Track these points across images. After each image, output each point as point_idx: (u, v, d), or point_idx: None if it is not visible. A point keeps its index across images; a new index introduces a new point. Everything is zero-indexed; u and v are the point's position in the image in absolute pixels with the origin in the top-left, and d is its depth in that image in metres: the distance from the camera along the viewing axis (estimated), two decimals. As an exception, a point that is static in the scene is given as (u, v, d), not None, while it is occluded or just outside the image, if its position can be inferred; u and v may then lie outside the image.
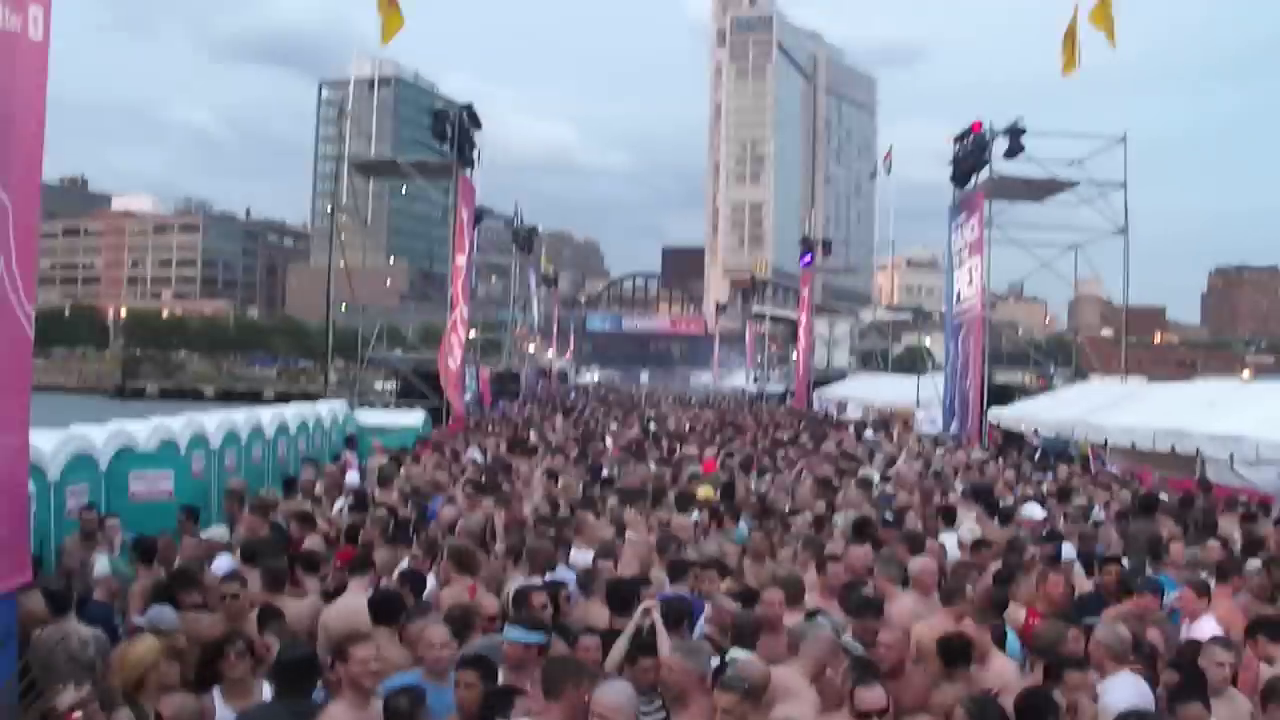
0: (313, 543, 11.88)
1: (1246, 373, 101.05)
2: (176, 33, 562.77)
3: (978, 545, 12.37)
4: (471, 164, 39.27)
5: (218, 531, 12.79)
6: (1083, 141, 38.21)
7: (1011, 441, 31.59)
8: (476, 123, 39.12)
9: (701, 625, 8.94)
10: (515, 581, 10.16)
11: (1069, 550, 12.66)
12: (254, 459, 22.18)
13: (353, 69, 61.39)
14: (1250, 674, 8.13)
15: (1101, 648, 7.86)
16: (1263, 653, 8.24)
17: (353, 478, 18.77)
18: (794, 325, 75.02)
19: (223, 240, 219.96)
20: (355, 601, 8.96)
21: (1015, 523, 14.86)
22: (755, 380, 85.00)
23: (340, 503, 15.87)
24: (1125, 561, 11.98)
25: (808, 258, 67.19)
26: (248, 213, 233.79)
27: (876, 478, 20.30)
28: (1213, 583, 10.82)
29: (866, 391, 53.52)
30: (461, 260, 38.69)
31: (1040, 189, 39.30)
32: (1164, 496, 17.82)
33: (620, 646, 7.94)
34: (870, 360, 75.10)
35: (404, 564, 10.66)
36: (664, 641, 8.07)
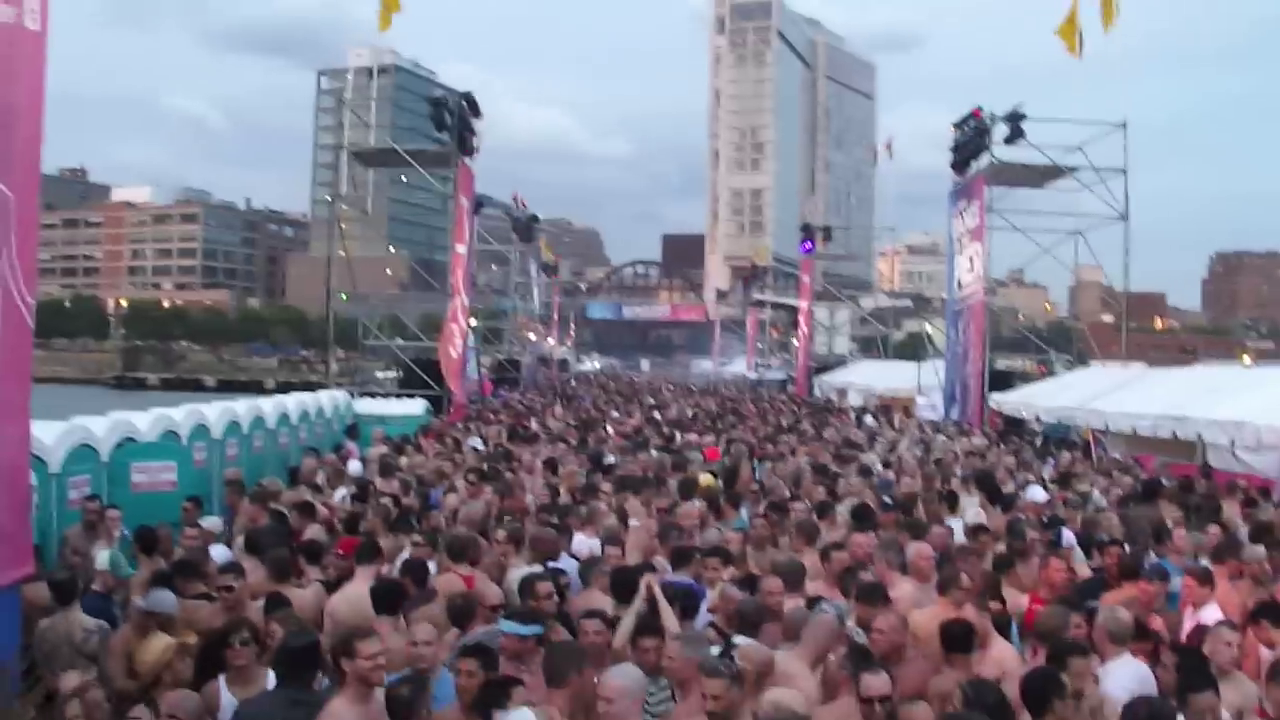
0: (314, 532, 11.90)
1: (1247, 358, 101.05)
2: (174, 24, 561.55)
3: (977, 531, 12.39)
4: (471, 152, 39.21)
5: (211, 523, 12.79)
6: (1083, 127, 38.21)
7: (1013, 427, 31.61)
8: (476, 111, 39.06)
9: (705, 612, 8.96)
10: (517, 570, 10.18)
11: (1069, 536, 12.68)
12: (256, 449, 22.20)
13: (351, 58, 61.30)
14: (1252, 659, 8.15)
15: (1103, 632, 7.86)
16: (1265, 637, 8.25)
17: (354, 467, 18.81)
18: (794, 312, 74.87)
19: (223, 230, 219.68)
20: (363, 590, 8.98)
21: (1017, 508, 14.86)
22: (756, 368, 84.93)
23: (341, 492, 15.90)
24: (1126, 547, 11.99)
25: (808, 244, 67.07)
26: (248, 202, 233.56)
27: (879, 465, 20.30)
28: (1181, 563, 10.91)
29: (867, 378, 53.45)
30: (461, 249, 38.69)
31: (1041, 175, 39.29)
32: (1165, 482, 17.81)
33: (627, 623, 7.97)
34: (871, 347, 75.12)
35: (406, 553, 10.66)
36: (668, 616, 8.10)
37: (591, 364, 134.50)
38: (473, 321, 47.37)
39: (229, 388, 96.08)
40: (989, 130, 37.19)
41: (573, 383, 71.73)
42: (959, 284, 40.18)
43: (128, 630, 8.45)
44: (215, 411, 20.66)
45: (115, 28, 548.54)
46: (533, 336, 71.72)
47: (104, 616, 8.83)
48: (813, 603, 8.59)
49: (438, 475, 17.13)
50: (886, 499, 15.03)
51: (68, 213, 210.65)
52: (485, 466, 17.87)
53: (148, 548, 10.97)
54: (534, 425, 28.10)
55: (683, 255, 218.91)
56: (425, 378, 36.86)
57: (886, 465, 20.41)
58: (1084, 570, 11.06)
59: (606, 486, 15.21)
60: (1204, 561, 10.92)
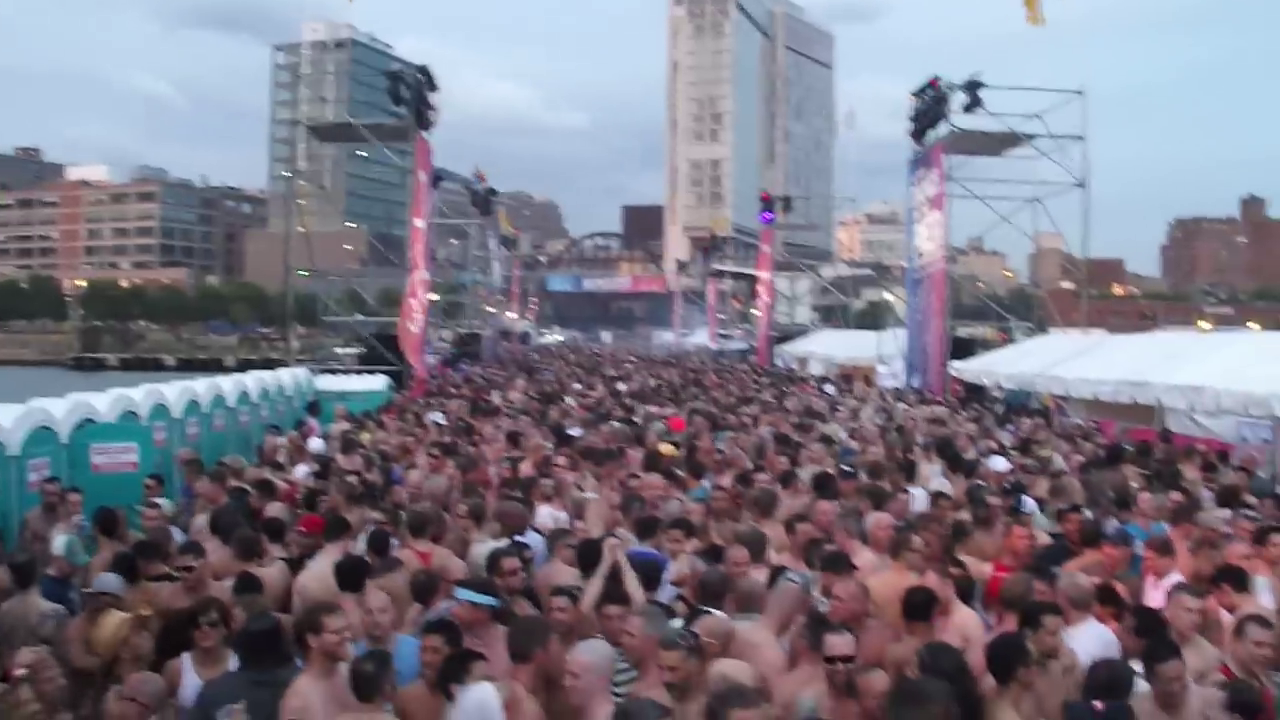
0: (276, 510, 11.83)
1: (1206, 324, 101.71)
2: (128, 1, 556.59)
3: (937, 497, 12.44)
4: (428, 126, 39.01)
5: (164, 504, 12.67)
6: (1041, 96, 38.41)
7: (974, 395, 31.74)
8: (433, 84, 38.83)
9: (667, 584, 8.97)
10: (480, 544, 10.17)
11: (1030, 502, 12.73)
12: (216, 428, 22.11)
13: (306, 33, 60.97)
14: (1212, 621, 8.22)
15: (1064, 597, 7.90)
16: (1226, 602, 8.31)
17: (316, 444, 18.74)
18: (755, 282, 74.95)
19: (180, 208, 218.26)
20: (330, 567, 8.96)
21: (979, 475, 14.92)
22: (717, 338, 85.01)
23: (303, 469, 15.84)
24: (1088, 512, 12.06)
25: (768, 215, 67.14)
26: (205, 180, 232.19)
27: (842, 433, 20.34)
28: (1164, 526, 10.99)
29: (828, 347, 53.54)
30: (420, 223, 38.52)
31: (999, 143, 39.40)
32: (1126, 447, 17.93)
33: (593, 591, 7.98)
34: (832, 316, 75.31)
35: (369, 529, 10.62)
36: (633, 584, 8.11)
37: (553, 337, 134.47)
38: (433, 296, 47.25)
39: (189, 367, 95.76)
40: (947, 99, 37.26)
41: (534, 356, 71.64)
42: (919, 252, 40.31)
43: (84, 616, 8.41)
44: (175, 391, 20.56)
45: (66, 3, 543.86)
46: (493, 310, 71.54)
47: (60, 601, 8.79)
48: (777, 573, 8.60)
49: (400, 451, 17.09)
50: (847, 467, 15.04)
51: (22, 193, 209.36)
52: (447, 440, 17.84)
53: (108, 530, 10.90)
54: (496, 399, 28.04)
55: (643, 227, 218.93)
56: (386, 353, 36.78)
57: (850, 434, 20.45)
58: (1044, 537, 11.10)
59: (561, 460, 15.12)
60: (1165, 526, 11.02)
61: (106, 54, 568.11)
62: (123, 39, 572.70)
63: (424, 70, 38.41)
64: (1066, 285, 59.65)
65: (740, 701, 5.45)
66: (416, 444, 17.75)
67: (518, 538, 10.22)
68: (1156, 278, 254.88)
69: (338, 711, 6.36)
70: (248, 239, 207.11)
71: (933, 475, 15.23)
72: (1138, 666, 6.56)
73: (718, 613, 7.46)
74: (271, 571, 9.44)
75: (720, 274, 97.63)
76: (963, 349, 37.83)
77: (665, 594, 8.72)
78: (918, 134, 40.21)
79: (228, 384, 23.93)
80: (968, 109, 36.71)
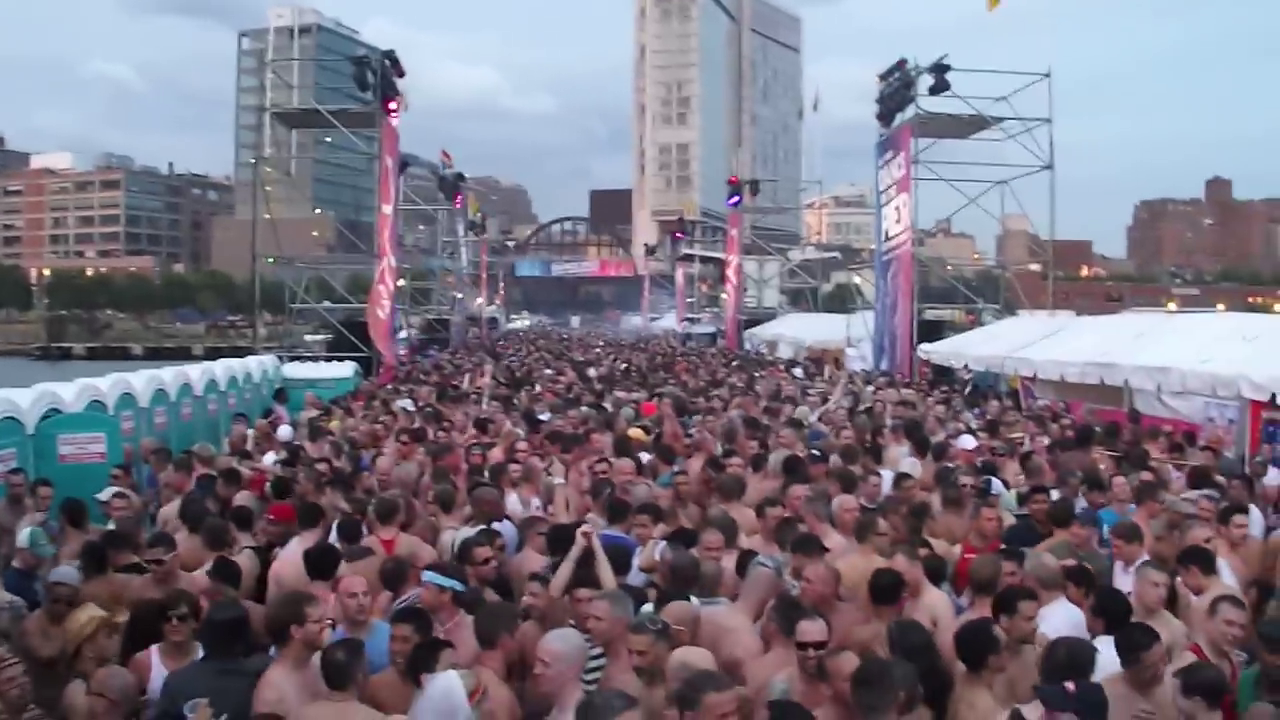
0: (243, 498, 11.78)
1: (1172, 304, 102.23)
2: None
3: (900, 479, 12.47)
4: (395, 111, 38.85)
5: (108, 493, 12.52)
6: (1008, 78, 38.46)
7: (942, 377, 31.83)
8: (399, 69, 38.67)
9: (635, 568, 8.98)
10: (449, 532, 10.16)
11: (998, 484, 12.77)
12: (184, 416, 22.03)
13: (272, 18, 60.64)
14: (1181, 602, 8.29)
15: (1032, 579, 7.95)
16: (1193, 583, 8.36)
17: (284, 431, 18.68)
18: (723, 266, 74.93)
19: (145, 196, 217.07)
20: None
21: (948, 457, 14.95)
22: (686, 322, 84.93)
23: (271, 457, 15.78)
24: (1056, 493, 12.11)
25: (735, 198, 67.16)
26: (170, 167, 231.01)
27: (813, 417, 20.34)
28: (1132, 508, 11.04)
29: (797, 330, 53.51)
30: (388, 209, 38.39)
31: (966, 126, 39.49)
32: (1096, 429, 18.00)
33: (563, 574, 7.99)
34: (800, 299, 75.24)
35: (338, 517, 10.60)
36: (605, 569, 8.12)
37: (521, 322, 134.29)
38: (401, 282, 47.12)
39: (156, 355, 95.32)
40: (914, 82, 37.37)
41: (502, 341, 71.44)
42: (886, 235, 40.40)
43: (44, 608, 8.36)
44: (142, 380, 20.47)
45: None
46: (461, 295, 71.33)
47: (24, 594, 8.73)
48: (747, 557, 8.61)
49: (369, 438, 17.04)
50: (816, 450, 15.05)
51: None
52: (416, 427, 17.79)
53: (75, 520, 10.85)
54: (465, 385, 27.97)
55: (610, 211, 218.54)
56: (354, 340, 36.66)
57: (819, 418, 20.45)
58: (1010, 519, 11.14)
59: (522, 445, 15.04)
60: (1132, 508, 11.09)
61: (69, 40, 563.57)
62: (85, 25, 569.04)
63: (390, 55, 38.24)
64: (1034, 267, 59.81)
65: (713, 685, 5.47)
66: (385, 431, 17.71)
67: (491, 526, 10.21)
68: (1123, 259, 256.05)
69: (309, 700, 6.35)
70: (214, 226, 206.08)
71: (901, 457, 15.28)
72: (1104, 645, 6.58)
73: (693, 599, 7.49)
74: (240, 560, 9.41)
75: (688, 258, 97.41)
76: (931, 331, 37.95)
77: (639, 580, 8.73)
78: (885, 117, 40.31)
79: (195, 372, 23.84)
80: (934, 91, 36.85)
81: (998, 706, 6.29)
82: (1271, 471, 14.38)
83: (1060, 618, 7.57)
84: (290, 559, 9.26)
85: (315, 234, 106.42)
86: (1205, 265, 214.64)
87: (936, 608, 7.91)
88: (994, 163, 40.13)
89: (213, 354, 53.59)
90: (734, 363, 41.67)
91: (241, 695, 6.36)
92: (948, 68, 36.30)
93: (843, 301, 59.51)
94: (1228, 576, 8.86)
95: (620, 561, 8.57)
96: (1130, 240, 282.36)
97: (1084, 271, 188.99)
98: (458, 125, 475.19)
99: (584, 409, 20.43)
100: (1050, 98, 38.42)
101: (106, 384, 18.91)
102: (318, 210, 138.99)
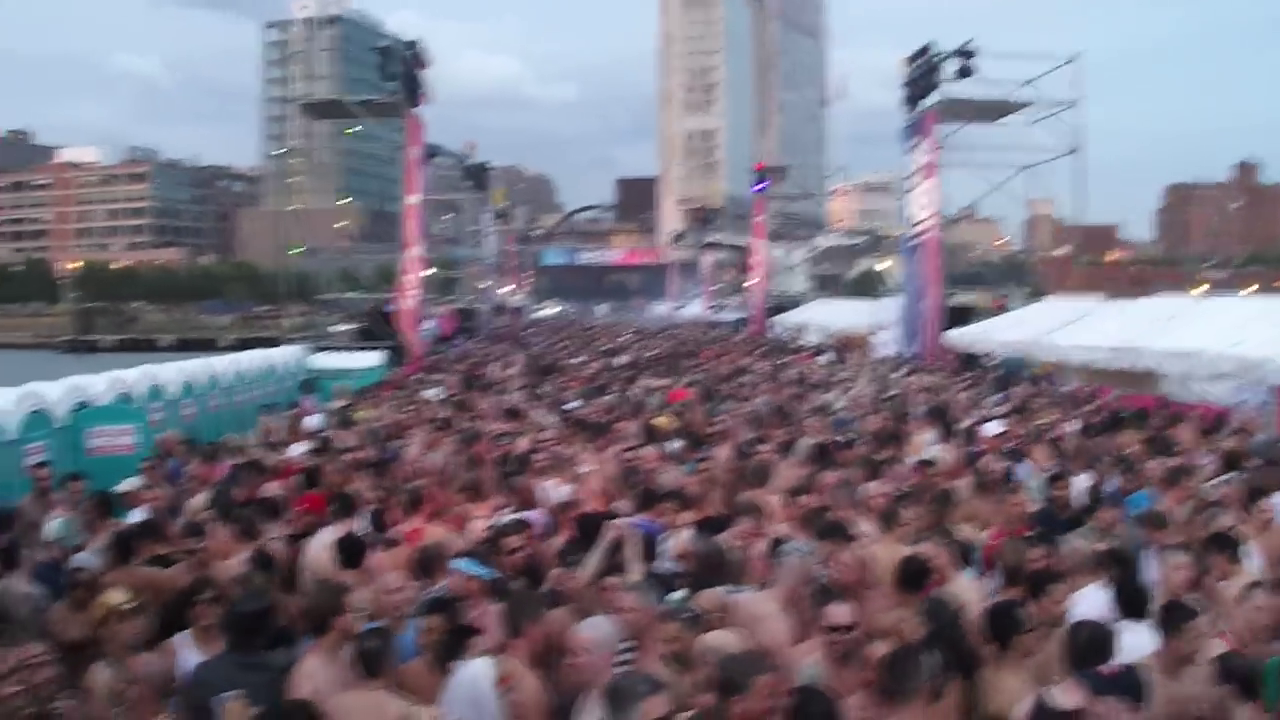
0: (272, 489, 11.81)
1: (1201, 288, 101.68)
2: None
3: (924, 465, 12.45)
4: (420, 101, 38.89)
5: (131, 483, 12.57)
6: (1033, 62, 38.34)
7: (969, 363, 31.75)
8: (424, 59, 38.70)
9: (666, 557, 8.97)
10: (477, 520, 10.17)
11: (1023, 469, 12.74)
12: (212, 407, 22.12)
13: (296, 9, 60.63)
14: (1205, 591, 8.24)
15: (1068, 562, 7.93)
16: (1220, 571, 8.31)
17: (313, 421, 18.69)
18: (749, 253, 74.83)
19: (172, 188, 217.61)
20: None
21: (976, 442, 14.93)
22: (713, 309, 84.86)
23: (299, 447, 15.80)
24: (1087, 477, 12.08)
25: (761, 185, 67.08)
26: (196, 159, 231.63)
27: (841, 403, 20.33)
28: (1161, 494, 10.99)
29: (823, 317, 53.54)
30: (414, 199, 38.45)
31: (992, 110, 39.36)
32: (1124, 414, 17.94)
33: (592, 563, 7.98)
34: (827, 285, 75.25)
35: (368, 506, 10.63)
36: (633, 564, 8.11)
37: (547, 310, 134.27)
38: (428, 272, 47.18)
39: (184, 347, 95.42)
40: (939, 67, 37.21)
41: (529, 329, 71.47)
42: (912, 221, 40.26)
43: (70, 595, 8.40)
44: (170, 372, 20.59)
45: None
46: (488, 285, 71.33)
47: (55, 586, 8.77)
48: (776, 544, 8.61)
49: (397, 427, 17.08)
50: (842, 438, 15.03)
51: (13, 176, 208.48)
52: (444, 416, 17.82)
53: (106, 512, 10.89)
54: (492, 373, 28.01)
55: (636, 199, 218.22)
56: (382, 330, 36.75)
57: (847, 404, 20.44)
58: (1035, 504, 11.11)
59: (549, 434, 15.04)
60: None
61: (95, 35, 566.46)
62: (111, 19, 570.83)
63: (414, 45, 38.26)
64: (1061, 251, 59.54)
65: (760, 668, 5.51)
66: (413, 420, 17.74)
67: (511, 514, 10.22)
68: (1151, 243, 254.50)
69: (341, 690, 6.37)
70: (241, 218, 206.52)
71: (927, 444, 15.25)
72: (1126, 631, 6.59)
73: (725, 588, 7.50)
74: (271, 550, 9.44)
75: (714, 245, 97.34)
76: (958, 317, 37.85)
77: (664, 566, 8.73)
78: (911, 102, 40.15)
79: (223, 364, 23.94)
80: (960, 76, 36.69)
81: (1027, 689, 6.29)
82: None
83: (1093, 602, 7.54)
84: (321, 549, 9.29)
85: (341, 224, 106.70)
86: (1234, 249, 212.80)
87: (965, 593, 7.88)
88: (1020, 147, 39.98)
89: (240, 345, 53.64)
90: (761, 349, 41.63)
91: (266, 690, 6.25)
92: (973, 53, 36.17)
93: (869, 287, 59.51)
94: (1255, 562, 8.81)
95: (647, 548, 8.55)
96: (1158, 224, 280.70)
97: (1111, 255, 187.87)
98: (482, 114, 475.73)
99: (611, 396, 20.44)
100: (1077, 81, 38.31)
101: (135, 376, 19.01)
102: (344, 201, 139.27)
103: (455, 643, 6.37)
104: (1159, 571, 7.92)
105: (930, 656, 5.68)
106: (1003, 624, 6.56)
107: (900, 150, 41.71)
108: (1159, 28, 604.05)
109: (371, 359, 32.11)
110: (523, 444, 14.61)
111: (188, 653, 7.17)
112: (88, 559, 8.58)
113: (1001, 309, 41.14)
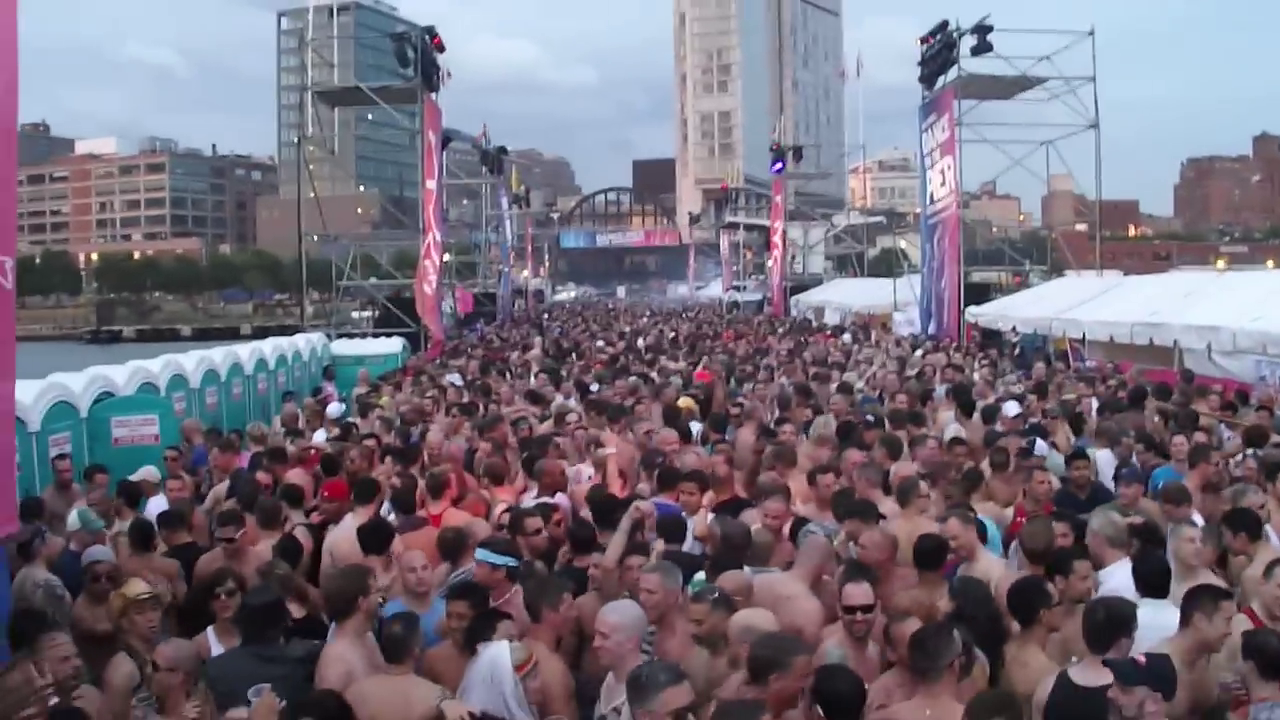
0: (294, 476, 11.84)
1: (1221, 263, 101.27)
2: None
3: (952, 443, 12.44)
4: (436, 87, 38.87)
5: (147, 471, 12.60)
6: (1051, 37, 38.09)
7: (990, 340, 31.66)
8: (439, 45, 38.65)
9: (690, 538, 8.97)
10: (500, 504, 10.19)
11: (1043, 446, 12.70)
12: (235, 396, 22.19)
13: (310, -4, 60.58)
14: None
15: (1100, 538, 7.90)
16: (1240, 548, 8.29)
17: (335, 409, 18.72)
18: (768, 233, 74.63)
19: (190, 178, 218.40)
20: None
21: (999, 420, 14.88)
22: (732, 290, 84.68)
23: (322, 434, 15.84)
24: (1111, 453, 12.07)
25: (779, 165, 66.87)
26: (214, 149, 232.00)
27: (861, 383, 20.30)
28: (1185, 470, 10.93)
29: (843, 296, 53.43)
30: (432, 185, 38.41)
31: (1010, 86, 39.15)
32: (1147, 389, 17.88)
33: (617, 543, 8.00)
34: (846, 265, 74.99)
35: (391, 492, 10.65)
36: (655, 549, 8.13)
37: (567, 293, 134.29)
38: (446, 257, 47.20)
39: (205, 336, 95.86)
40: (956, 43, 37.03)
41: (549, 313, 71.50)
42: (932, 198, 40.11)
43: (87, 587, 8.45)
44: (192, 361, 20.64)
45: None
46: (507, 269, 71.34)
47: (78, 576, 8.80)
48: (799, 524, 8.62)
49: (418, 412, 17.09)
50: (868, 416, 15.01)
51: (33, 168, 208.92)
52: (466, 401, 17.82)
53: (131, 501, 10.94)
54: (512, 358, 28.02)
55: (654, 180, 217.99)
56: (401, 315, 36.79)
57: (867, 382, 20.42)
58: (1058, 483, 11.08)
59: (572, 417, 15.03)
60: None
61: (111, 25, 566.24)
62: (126, 9, 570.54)
63: (430, 31, 38.21)
64: (1080, 227, 59.28)
65: (799, 648, 5.59)
66: (435, 406, 17.75)
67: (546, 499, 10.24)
68: (1170, 218, 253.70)
69: (368, 673, 6.39)
70: (259, 206, 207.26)
71: (949, 422, 15.22)
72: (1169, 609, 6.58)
73: (745, 568, 7.50)
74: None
75: (733, 226, 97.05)
76: (978, 294, 37.74)
77: (695, 549, 8.73)
78: (928, 79, 39.97)
79: (244, 352, 24.00)
80: (977, 52, 36.53)
81: (1051, 665, 6.29)
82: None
83: (1121, 577, 7.51)
84: (345, 534, 9.32)
85: (360, 211, 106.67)
86: (1253, 222, 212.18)
87: (991, 571, 7.87)
88: (1038, 122, 39.80)
89: (261, 333, 53.71)
90: (781, 329, 41.59)
91: (284, 683, 6.08)
92: (990, 28, 35.99)
93: (889, 266, 59.10)
94: (1276, 540, 8.77)
95: (673, 531, 8.56)
96: (1177, 198, 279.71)
97: (1131, 231, 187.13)
98: (498, 99, 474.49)
99: (632, 379, 20.42)
100: (1094, 55, 38.15)
101: (157, 366, 19.07)
102: (362, 187, 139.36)
103: (482, 627, 6.37)
104: (1170, 545, 7.91)
105: (957, 635, 5.69)
106: (1028, 600, 6.56)
107: (917, 127, 41.56)
108: (1175, 0, 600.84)
109: (392, 345, 32.15)
110: (544, 427, 14.63)
111: (215, 646, 7.22)
112: (102, 551, 8.62)
113: (1021, 286, 41.04)
